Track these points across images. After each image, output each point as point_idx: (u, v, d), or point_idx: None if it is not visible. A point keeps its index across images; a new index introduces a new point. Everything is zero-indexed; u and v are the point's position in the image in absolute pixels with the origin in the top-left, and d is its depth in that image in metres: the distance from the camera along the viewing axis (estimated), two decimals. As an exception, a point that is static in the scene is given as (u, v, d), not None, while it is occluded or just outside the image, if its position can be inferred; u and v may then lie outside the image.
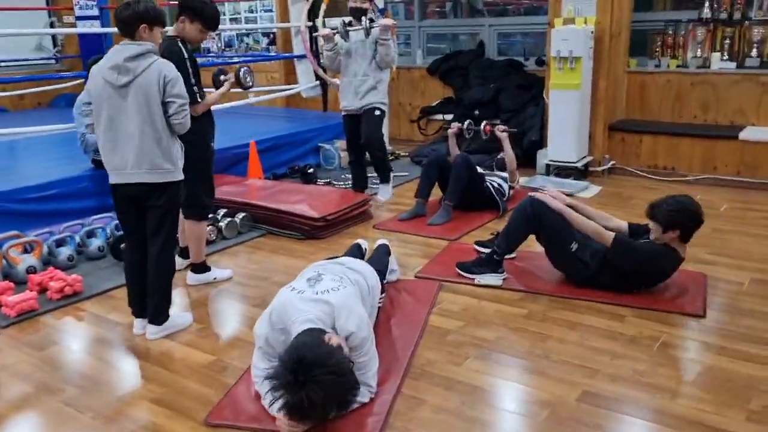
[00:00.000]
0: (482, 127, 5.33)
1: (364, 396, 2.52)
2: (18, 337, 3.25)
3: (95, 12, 8.87)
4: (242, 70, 3.89)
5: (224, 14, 9.05)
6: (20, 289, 3.65)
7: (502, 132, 5.24)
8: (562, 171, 5.96)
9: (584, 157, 5.98)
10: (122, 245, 3.98)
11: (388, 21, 4.86)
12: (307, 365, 2.15)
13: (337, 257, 3.12)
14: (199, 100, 3.52)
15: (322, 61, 5.19)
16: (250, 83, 3.92)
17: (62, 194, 4.60)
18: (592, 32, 5.64)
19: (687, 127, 5.91)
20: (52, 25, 9.60)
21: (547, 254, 3.67)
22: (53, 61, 9.81)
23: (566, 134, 5.75)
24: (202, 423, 2.48)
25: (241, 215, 4.70)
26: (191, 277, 3.84)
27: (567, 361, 2.86)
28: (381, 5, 6.80)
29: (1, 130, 5.32)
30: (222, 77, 3.81)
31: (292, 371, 2.16)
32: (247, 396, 2.61)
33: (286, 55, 7.79)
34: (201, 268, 3.86)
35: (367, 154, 5.28)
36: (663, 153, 5.95)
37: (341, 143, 6.55)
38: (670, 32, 6.12)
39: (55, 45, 9.77)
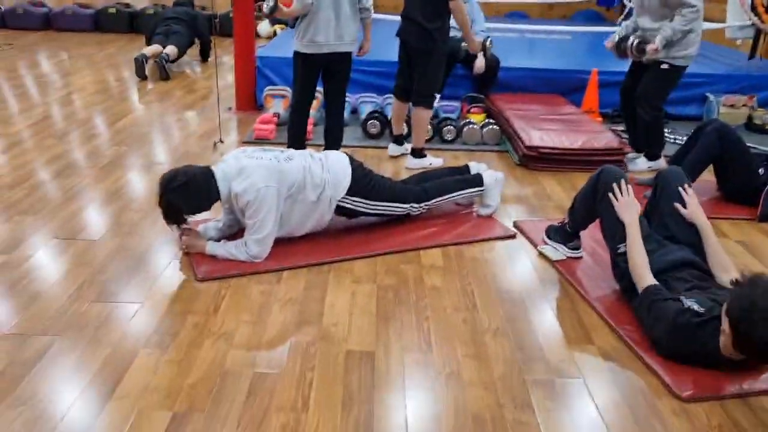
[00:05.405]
0: None
1: (241, 253, 2.88)
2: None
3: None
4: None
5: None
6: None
7: None
8: None
9: None
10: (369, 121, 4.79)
11: None
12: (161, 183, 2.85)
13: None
14: None
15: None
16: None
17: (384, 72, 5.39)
18: None
19: None
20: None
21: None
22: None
23: None
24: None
25: (491, 127, 4.77)
26: (411, 162, 4.34)
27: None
28: None
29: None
30: None
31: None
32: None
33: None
34: (420, 153, 4.33)
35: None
36: None
37: (730, 98, 5.41)
38: None
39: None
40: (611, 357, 2.36)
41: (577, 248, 3.07)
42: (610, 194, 2.70)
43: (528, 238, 3.29)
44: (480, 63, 5.23)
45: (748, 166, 3.67)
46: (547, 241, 3.16)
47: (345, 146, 4.57)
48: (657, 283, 2.43)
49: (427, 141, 4.73)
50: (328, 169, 3.05)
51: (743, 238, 3.42)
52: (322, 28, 3.65)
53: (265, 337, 2.40)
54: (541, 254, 3.11)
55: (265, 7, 3.70)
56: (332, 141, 4.00)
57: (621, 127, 5.17)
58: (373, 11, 3.90)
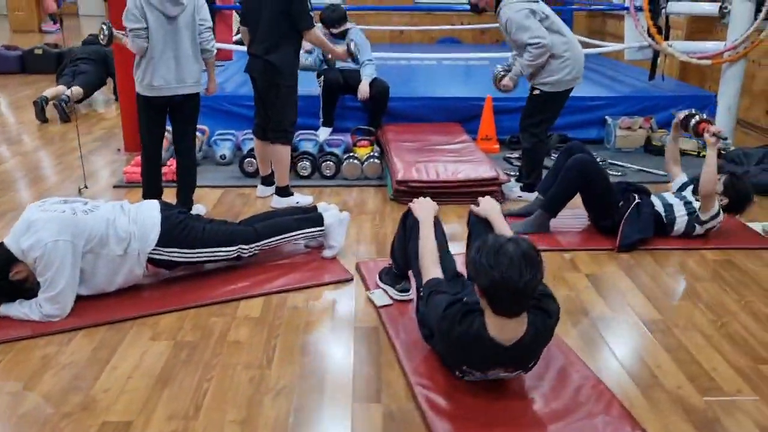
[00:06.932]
0: (693, 122, 3.72)
1: (34, 313, 2.68)
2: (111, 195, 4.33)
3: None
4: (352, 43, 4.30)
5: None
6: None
7: (711, 136, 3.51)
8: None
9: None
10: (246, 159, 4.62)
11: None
12: None
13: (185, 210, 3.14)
14: (314, 24, 3.84)
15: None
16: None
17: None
18: None
19: None
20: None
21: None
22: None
23: None
24: None
25: (372, 161, 4.61)
26: (276, 201, 4.17)
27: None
28: None
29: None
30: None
31: None
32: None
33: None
34: (285, 192, 4.15)
35: None
36: None
37: (626, 121, 5.29)
38: None
39: None
40: (394, 419, 2.17)
41: (405, 290, 2.89)
42: (410, 204, 2.66)
43: (365, 281, 3.11)
44: (364, 88, 5.10)
45: (608, 199, 3.54)
46: (379, 283, 2.98)
47: (221, 186, 4.44)
48: (440, 276, 2.35)
49: (306, 177, 4.59)
50: (134, 221, 2.87)
51: (596, 270, 3.26)
52: (161, 71, 3.50)
53: (20, 411, 2.19)
54: (369, 299, 2.93)
55: (102, 37, 3.66)
56: (184, 182, 3.82)
57: (516, 154, 5.06)
58: (215, 51, 3.76)
